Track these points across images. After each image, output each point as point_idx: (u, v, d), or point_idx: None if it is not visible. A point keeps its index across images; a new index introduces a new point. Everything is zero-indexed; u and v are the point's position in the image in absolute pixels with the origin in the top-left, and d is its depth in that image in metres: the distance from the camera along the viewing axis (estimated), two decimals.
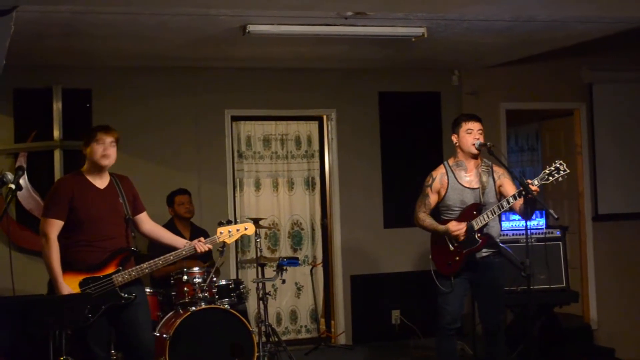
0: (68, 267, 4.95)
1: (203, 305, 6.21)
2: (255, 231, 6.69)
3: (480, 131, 5.62)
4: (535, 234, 7.23)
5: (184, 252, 5.20)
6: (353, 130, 8.31)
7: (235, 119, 8.10)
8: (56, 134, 7.37)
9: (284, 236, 8.35)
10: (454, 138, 5.70)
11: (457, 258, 5.56)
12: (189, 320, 6.07)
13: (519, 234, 7.17)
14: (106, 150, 5.05)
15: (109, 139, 5.07)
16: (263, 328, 6.78)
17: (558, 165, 5.33)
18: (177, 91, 7.83)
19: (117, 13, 5.66)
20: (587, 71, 8.66)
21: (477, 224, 5.48)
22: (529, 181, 5.27)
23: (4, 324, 4.44)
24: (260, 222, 7.09)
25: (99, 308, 4.91)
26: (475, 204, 5.55)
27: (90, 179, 5.11)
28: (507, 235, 7.17)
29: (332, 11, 5.83)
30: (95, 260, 4.99)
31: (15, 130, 7.40)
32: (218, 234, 5.30)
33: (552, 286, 7.15)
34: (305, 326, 8.36)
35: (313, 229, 8.44)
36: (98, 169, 5.10)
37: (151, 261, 5.11)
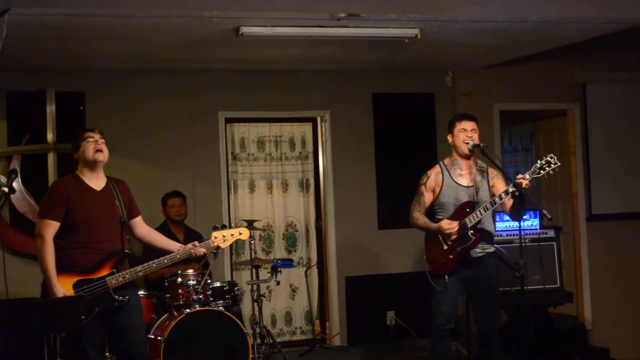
0: (62, 268, 4.94)
1: (197, 308, 6.21)
2: (250, 233, 6.69)
3: (474, 130, 5.64)
4: (529, 234, 7.25)
5: (178, 256, 5.20)
6: (347, 132, 8.31)
7: (229, 120, 8.10)
8: (50, 136, 7.36)
9: (278, 238, 8.35)
10: (449, 137, 5.74)
11: (451, 256, 5.57)
12: (183, 322, 6.06)
13: (513, 235, 7.18)
14: (98, 145, 5.06)
15: (97, 136, 5.10)
16: (258, 330, 6.78)
17: (549, 159, 5.33)
18: (170, 93, 7.83)
19: (110, 16, 5.66)
20: (581, 72, 8.67)
21: (470, 221, 5.49)
22: (521, 175, 5.28)
23: None
24: (255, 224, 7.09)
25: (92, 310, 4.90)
26: (469, 202, 5.57)
27: (87, 181, 5.10)
28: (501, 235, 7.18)
29: (325, 13, 5.84)
30: (89, 262, 4.99)
31: (8, 133, 7.39)
32: (213, 238, 5.31)
33: (546, 286, 7.16)
34: (300, 328, 8.35)
35: (307, 231, 8.43)
36: (93, 169, 5.09)
37: (145, 264, 5.11)
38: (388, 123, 8.40)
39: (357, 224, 8.29)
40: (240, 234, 5.43)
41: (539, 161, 5.36)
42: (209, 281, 6.40)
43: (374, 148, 8.37)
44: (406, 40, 6.53)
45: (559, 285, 7.25)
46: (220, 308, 6.34)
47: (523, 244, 5.40)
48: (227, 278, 7.76)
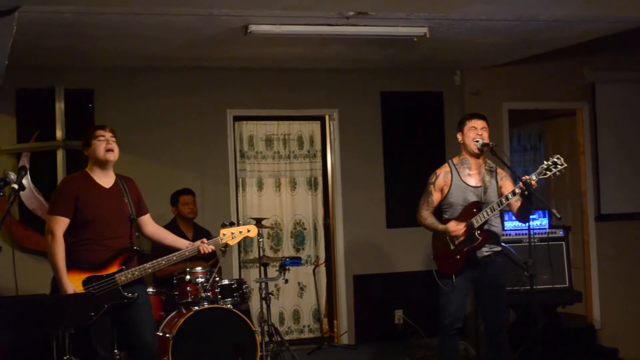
0: (72, 265, 4.96)
1: (206, 305, 6.22)
2: (258, 231, 6.70)
3: (484, 129, 5.63)
4: (538, 233, 7.23)
5: (187, 253, 5.22)
6: (355, 130, 8.31)
7: (237, 119, 8.11)
8: (59, 134, 7.38)
9: (286, 236, 8.35)
10: (459, 136, 5.73)
11: (458, 257, 5.56)
12: (191, 320, 6.07)
13: (522, 234, 7.17)
14: (109, 145, 5.08)
15: (108, 134, 5.11)
16: (266, 328, 6.79)
17: (555, 160, 5.31)
18: (179, 91, 7.84)
19: (119, 13, 5.67)
20: (590, 71, 8.65)
21: (477, 221, 5.48)
22: (527, 177, 5.26)
23: (8, 324, 4.44)
24: (263, 222, 7.10)
25: (102, 307, 4.92)
26: (476, 202, 5.56)
27: (96, 178, 5.12)
28: (510, 235, 7.18)
29: (334, 11, 5.84)
30: (99, 259, 5.00)
31: (18, 131, 7.41)
32: (221, 235, 5.33)
33: (555, 286, 7.14)
34: (308, 326, 8.36)
35: (315, 229, 8.44)
36: (103, 167, 5.11)
37: (154, 261, 5.12)
38: (396, 122, 8.40)
39: (365, 223, 8.29)
40: (248, 231, 5.45)
41: (545, 162, 5.34)
42: (217, 279, 6.41)
43: (382, 147, 8.37)
44: (415, 39, 6.53)
45: (567, 285, 7.23)
46: (229, 306, 6.35)
47: (532, 244, 5.38)
48: (236, 276, 7.76)
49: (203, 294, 6.26)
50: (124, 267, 5.04)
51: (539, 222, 7.32)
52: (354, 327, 8.21)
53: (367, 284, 8.24)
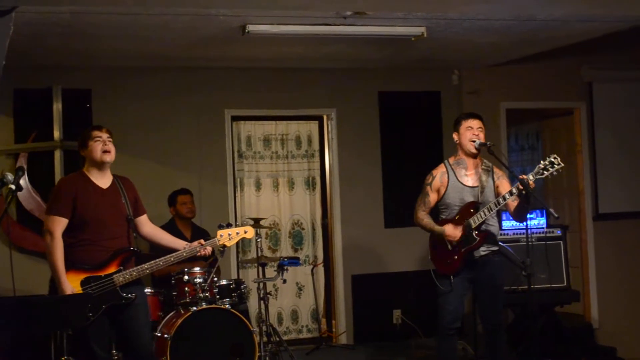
0: (70, 265, 4.95)
1: (204, 305, 6.21)
2: (256, 231, 6.70)
3: (481, 128, 5.63)
4: (536, 233, 7.23)
5: (184, 254, 5.22)
6: (353, 130, 8.31)
7: (235, 118, 8.10)
8: (56, 134, 7.37)
9: (284, 236, 8.35)
10: (455, 136, 5.71)
11: (456, 257, 5.56)
12: (190, 320, 6.07)
13: (520, 234, 7.17)
14: (106, 146, 5.08)
15: (105, 135, 5.10)
16: (264, 328, 6.78)
17: (552, 159, 5.31)
18: (177, 91, 7.84)
19: (116, 13, 5.67)
20: (587, 70, 8.66)
21: (474, 221, 5.48)
22: (524, 176, 5.26)
23: (5, 325, 4.43)
24: (261, 222, 7.09)
25: (100, 307, 4.92)
26: (473, 202, 5.56)
27: (93, 179, 5.11)
28: (507, 234, 7.18)
29: (332, 11, 5.84)
30: (97, 260, 5.00)
31: (15, 131, 7.40)
32: (218, 236, 5.34)
33: (553, 285, 7.14)
34: (307, 326, 8.36)
35: (314, 229, 8.44)
36: (100, 168, 5.11)
37: (152, 262, 5.12)
38: (394, 121, 8.40)
39: (363, 222, 8.29)
40: (245, 232, 5.46)
41: (542, 162, 5.34)
42: (215, 279, 6.41)
43: (380, 146, 8.37)
44: (413, 39, 6.53)
45: (565, 284, 7.23)
46: (227, 306, 6.35)
47: (530, 243, 5.38)
48: (234, 276, 7.76)
49: (201, 294, 6.26)
50: (122, 267, 5.03)
51: (536, 221, 7.32)
52: (353, 327, 8.20)
53: (366, 284, 8.24)
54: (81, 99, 7.53)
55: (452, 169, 5.69)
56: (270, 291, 7.53)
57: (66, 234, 4.99)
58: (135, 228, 5.23)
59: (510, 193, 5.37)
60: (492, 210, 5.46)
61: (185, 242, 5.34)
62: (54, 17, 5.67)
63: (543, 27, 6.58)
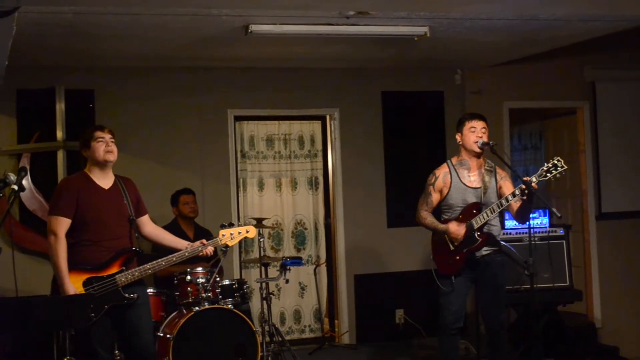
0: (72, 266, 4.96)
1: (206, 306, 6.21)
2: (259, 231, 6.69)
3: (484, 129, 5.61)
4: (539, 232, 7.23)
5: (186, 254, 5.23)
6: (356, 130, 8.31)
7: (238, 118, 8.10)
8: (59, 134, 7.37)
9: (287, 236, 8.35)
10: (457, 137, 5.70)
11: (458, 257, 5.56)
12: (192, 320, 6.06)
13: (523, 233, 7.16)
14: (109, 146, 5.08)
15: (107, 136, 5.11)
16: (267, 328, 6.79)
17: (556, 162, 5.31)
18: (179, 91, 7.84)
19: (119, 14, 5.67)
20: (590, 70, 8.65)
21: (476, 222, 5.48)
22: (527, 177, 5.26)
23: (8, 325, 4.44)
24: (264, 222, 7.10)
25: (102, 308, 4.92)
26: (476, 202, 5.55)
27: (95, 179, 5.12)
28: (510, 234, 7.18)
29: (335, 11, 5.83)
30: (99, 260, 5.01)
31: (18, 131, 7.41)
32: (220, 236, 5.35)
33: (555, 285, 7.14)
34: (309, 326, 8.35)
35: (316, 229, 8.43)
36: (102, 168, 5.11)
37: (154, 262, 5.13)
38: (397, 121, 8.40)
39: (366, 222, 8.29)
40: (247, 232, 5.48)
41: (545, 164, 5.34)
42: (218, 279, 6.41)
43: (383, 146, 8.37)
44: (415, 39, 6.53)
45: (568, 283, 7.23)
46: (230, 306, 6.35)
47: (532, 242, 5.37)
48: (236, 276, 7.76)
49: (204, 294, 6.26)
50: (124, 267, 5.04)
51: (539, 220, 7.32)
52: (355, 326, 8.20)
53: (368, 284, 8.23)
54: (84, 99, 7.53)
55: (455, 170, 5.68)
56: (273, 291, 7.52)
57: (68, 235, 5.00)
58: (137, 228, 5.24)
59: (513, 195, 5.36)
60: (494, 212, 5.46)
61: (188, 242, 5.35)
62: (56, 18, 5.67)
63: (545, 27, 6.57)
